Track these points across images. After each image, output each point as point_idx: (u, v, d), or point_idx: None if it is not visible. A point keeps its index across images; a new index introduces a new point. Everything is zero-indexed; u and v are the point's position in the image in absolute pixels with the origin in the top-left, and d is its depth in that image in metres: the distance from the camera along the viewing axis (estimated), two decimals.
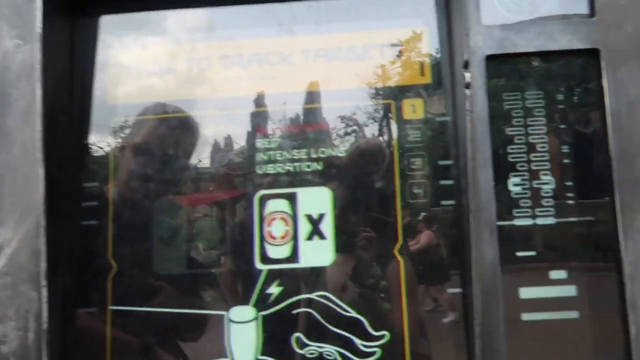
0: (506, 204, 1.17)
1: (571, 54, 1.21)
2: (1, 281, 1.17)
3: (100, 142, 1.35)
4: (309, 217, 1.27)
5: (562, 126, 1.20)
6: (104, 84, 1.36)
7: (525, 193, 1.18)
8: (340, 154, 1.31)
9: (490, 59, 1.20)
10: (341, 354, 1.22)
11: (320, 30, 1.36)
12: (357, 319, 1.24)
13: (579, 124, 1.21)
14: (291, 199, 1.28)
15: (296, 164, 1.30)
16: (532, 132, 1.20)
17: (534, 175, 1.19)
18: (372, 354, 1.21)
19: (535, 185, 1.18)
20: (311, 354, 1.22)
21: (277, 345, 1.24)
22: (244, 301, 1.26)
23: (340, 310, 1.24)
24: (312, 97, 1.34)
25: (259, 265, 1.26)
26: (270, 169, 1.30)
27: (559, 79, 1.21)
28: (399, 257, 1.25)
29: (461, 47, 1.21)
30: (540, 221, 1.17)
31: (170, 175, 1.35)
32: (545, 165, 1.19)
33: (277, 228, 1.27)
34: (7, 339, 1.16)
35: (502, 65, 1.22)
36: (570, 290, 1.15)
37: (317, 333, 1.23)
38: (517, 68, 1.22)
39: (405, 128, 1.31)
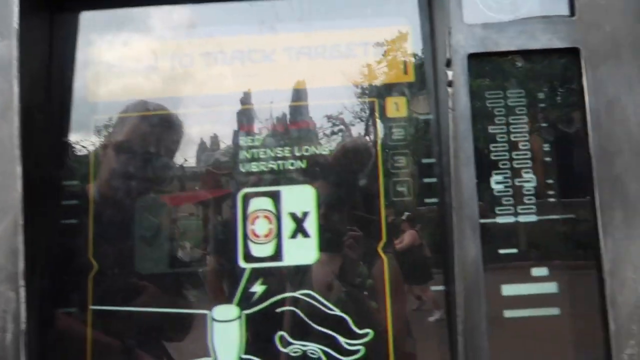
0: (489, 202, 1.18)
1: (552, 53, 1.23)
2: None
3: (81, 140, 1.33)
4: (293, 216, 1.26)
5: (544, 125, 1.22)
6: (84, 81, 1.34)
7: (508, 191, 1.19)
8: (324, 152, 1.31)
9: (472, 57, 1.21)
10: (325, 353, 1.22)
11: (303, 28, 1.36)
12: (341, 317, 1.24)
13: (560, 123, 1.22)
14: (275, 197, 1.28)
15: (280, 162, 1.30)
16: (514, 130, 1.21)
17: (516, 173, 1.20)
18: (356, 352, 1.21)
19: (517, 183, 1.19)
20: (295, 352, 1.22)
21: (261, 344, 1.23)
22: (228, 300, 1.25)
23: (324, 309, 1.24)
24: (295, 95, 1.34)
25: (242, 263, 1.25)
26: (254, 167, 1.30)
27: (540, 78, 1.23)
28: (383, 255, 1.25)
29: (444, 45, 1.22)
30: (522, 219, 1.19)
31: (152, 173, 1.33)
32: (527, 163, 1.20)
33: (261, 226, 1.26)
34: None
35: (484, 64, 1.23)
36: (551, 287, 1.16)
37: (301, 331, 1.23)
38: (499, 67, 1.23)
39: (389, 126, 1.31)
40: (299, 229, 1.26)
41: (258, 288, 1.25)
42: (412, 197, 1.28)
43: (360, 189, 1.31)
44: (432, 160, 1.28)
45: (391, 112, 1.31)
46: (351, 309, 1.24)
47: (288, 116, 1.33)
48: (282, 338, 1.23)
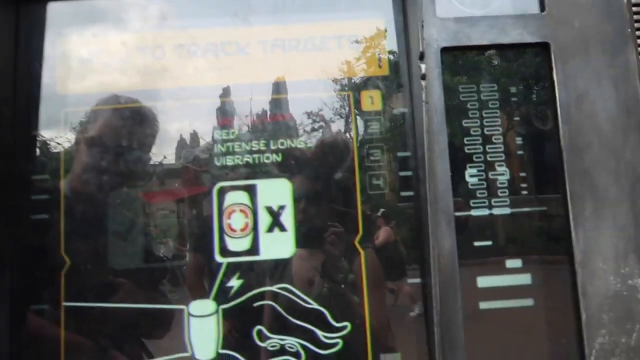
0: (463, 195, 1.20)
1: (522, 48, 1.25)
2: None
3: (51, 133, 1.30)
4: (269, 209, 1.26)
5: (516, 118, 1.24)
6: (53, 73, 1.31)
7: (482, 184, 1.21)
8: (299, 146, 1.31)
9: (445, 51, 1.22)
10: (303, 346, 1.22)
11: (277, 20, 1.35)
12: (318, 310, 1.24)
13: (532, 117, 1.25)
14: (250, 190, 1.27)
15: (255, 155, 1.29)
16: (487, 124, 1.22)
17: (489, 166, 1.22)
18: (334, 345, 1.22)
19: (491, 177, 1.21)
20: (273, 346, 1.22)
21: (239, 339, 1.23)
22: (204, 295, 1.24)
23: (302, 303, 1.24)
24: (269, 88, 1.33)
25: (218, 258, 1.25)
26: (229, 160, 1.29)
27: (513, 73, 1.25)
28: (360, 249, 1.26)
29: (417, 39, 1.23)
30: (496, 211, 1.21)
31: (125, 167, 1.31)
32: (500, 156, 1.22)
33: (237, 220, 1.26)
34: None
35: (457, 58, 1.24)
36: (525, 279, 1.19)
37: (279, 325, 1.23)
38: (472, 61, 1.25)
39: (364, 120, 1.31)
40: (276, 223, 1.26)
41: (235, 282, 1.24)
42: (388, 190, 1.29)
43: (336, 182, 1.31)
44: (408, 153, 1.29)
45: (366, 105, 1.31)
46: (329, 302, 1.25)
47: (263, 109, 1.32)
48: (259, 332, 1.23)
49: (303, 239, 1.27)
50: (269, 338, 1.23)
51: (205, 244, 1.25)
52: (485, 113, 1.23)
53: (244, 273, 1.25)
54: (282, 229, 1.26)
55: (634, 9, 1.26)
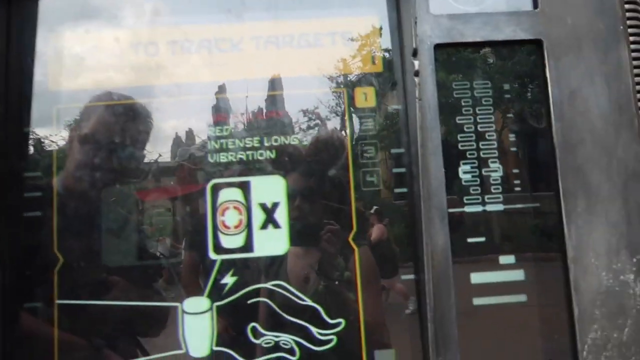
0: (457, 191, 1.20)
1: (515, 44, 1.25)
2: None
3: (43, 130, 1.29)
4: (263, 206, 1.26)
5: (509, 115, 1.24)
6: (45, 70, 1.30)
7: (475, 180, 1.21)
8: (293, 142, 1.31)
9: (438, 47, 1.22)
10: (297, 343, 1.22)
11: (270, 16, 1.34)
12: (313, 307, 1.24)
13: (526, 114, 1.25)
14: (244, 187, 1.27)
15: (249, 152, 1.29)
16: (480, 120, 1.23)
17: (483, 163, 1.22)
18: (328, 341, 1.23)
19: (485, 173, 1.22)
20: (267, 343, 1.22)
21: (233, 336, 1.23)
22: (198, 292, 1.24)
23: (296, 299, 1.24)
24: (263, 84, 1.33)
25: (212, 255, 1.24)
26: (223, 157, 1.28)
27: (506, 70, 1.25)
28: (354, 245, 1.26)
29: (410, 36, 1.23)
30: (489, 208, 1.21)
31: (118, 164, 1.31)
32: (493, 153, 1.22)
33: (231, 217, 1.25)
34: None
35: (450, 55, 1.25)
36: (518, 275, 1.20)
37: (273, 322, 1.23)
38: (465, 58, 1.25)
39: (358, 116, 1.31)
40: (270, 220, 1.25)
41: (229, 279, 1.24)
42: (382, 187, 1.29)
43: (330, 179, 1.31)
44: (401, 150, 1.29)
45: (360, 102, 1.31)
46: (324, 299, 1.25)
47: (257, 106, 1.32)
48: (254, 329, 1.23)
49: (297, 235, 1.27)
50: (263, 335, 1.23)
51: (199, 241, 1.25)
52: (479, 110, 1.23)
53: (238, 270, 1.25)
54: (276, 225, 1.25)
55: (626, 6, 1.26)
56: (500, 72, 1.25)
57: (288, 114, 1.32)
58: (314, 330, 1.23)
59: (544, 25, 1.23)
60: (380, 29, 1.34)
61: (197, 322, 1.23)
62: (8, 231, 1.23)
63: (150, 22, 1.34)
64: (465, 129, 1.22)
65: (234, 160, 1.29)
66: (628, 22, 1.26)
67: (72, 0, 1.33)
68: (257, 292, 1.25)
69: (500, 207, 1.21)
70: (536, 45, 1.23)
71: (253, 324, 1.23)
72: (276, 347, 1.22)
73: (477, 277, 1.18)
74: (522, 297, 1.19)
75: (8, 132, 1.26)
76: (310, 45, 1.33)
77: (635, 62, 1.24)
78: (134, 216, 1.31)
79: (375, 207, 1.29)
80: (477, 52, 1.25)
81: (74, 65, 1.31)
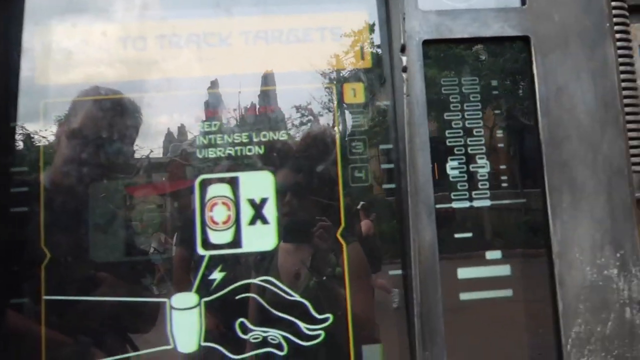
0: (444, 187, 1.21)
1: (503, 41, 1.26)
2: None
3: (30, 125, 1.28)
4: (251, 202, 1.26)
5: (497, 111, 1.25)
6: (32, 64, 1.29)
7: (463, 176, 1.22)
8: (282, 138, 1.31)
9: (427, 43, 1.23)
10: (285, 338, 1.23)
11: (259, 11, 1.34)
12: (301, 302, 1.25)
13: (513, 110, 1.26)
14: (233, 183, 1.26)
15: (237, 147, 1.29)
16: (468, 117, 1.23)
17: (470, 159, 1.23)
18: (316, 336, 1.23)
19: (472, 169, 1.23)
20: (255, 338, 1.23)
21: (221, 331, 1.23)
22: (186, 288, 1.24)
23: (284, 295, 1.25)
24: (252, 80, 1.32)
25: (201, 251, 1.24)
26: (211, 153, 1.28)
27: (494, 66, 1.26)
28: (342, 241, 1.26)
29: (399, 31, 1.23)
30: (476, 204, 1.22)
31: (106, 159, 1.30)
32: (481, 149, 1.23)
33: (219, 213, 1.25)
34: None
35: (438, 51, 1.25)
36: (504, 270, 1.21)
37: (261, 318, 1.23)
38: (453, 54, 1.25)
39: (347, 112, 1.32)
40: (258, 216, 1.25)
41: (217, 275, 1.24)
42: (370, 183, 1.29)
43: (318, 175, 1.31)
44: (390, 146, 1.30)
45: (349, 98, 1.31)
46: (311, 294, 1.26)
47: (246, 101, 1.32)
48: (242, 325, 1.23)
49: (285, 231, 1.27)
50: (252, 330, 1.23)
51: (188, 237, 1.25)
52: (467, 106, 1.24)
53: (226, 266, 1.25)
54: (265, 221, 1.25)
55: (613, 3, 1.27)
56: (488, 68, 1.26)
57: (277, 109, 1.32)
58: (302, 325, 1.23)
59: (531, 21, 1.24)
60: (370, 24, 1.34)
61: (185, 317, 1.22)
62: None
63: (138, 16, 1.33)
64: (453, 125, 1.23)
65: (222, 155, 1.29)
66: (614, 20, 1.27)
67: None
68: (245, 288, 1.25)
69: (487, 202, 1.22)
70: (524, 41, 1.24)
71: (241, 319, 1.23)
72: (264, 342, 1.23)
73: (463, 273, 1.20)
74: (508, 292, 1.20)
75: None
76: (299, 41, 1.33)
77: (620, 60, 1.26)
78: (122, 211, 1.30)
79: (362, 203, 1.29)
80: (465, 48, 1.26)
81: (62, 59, 1.30)
